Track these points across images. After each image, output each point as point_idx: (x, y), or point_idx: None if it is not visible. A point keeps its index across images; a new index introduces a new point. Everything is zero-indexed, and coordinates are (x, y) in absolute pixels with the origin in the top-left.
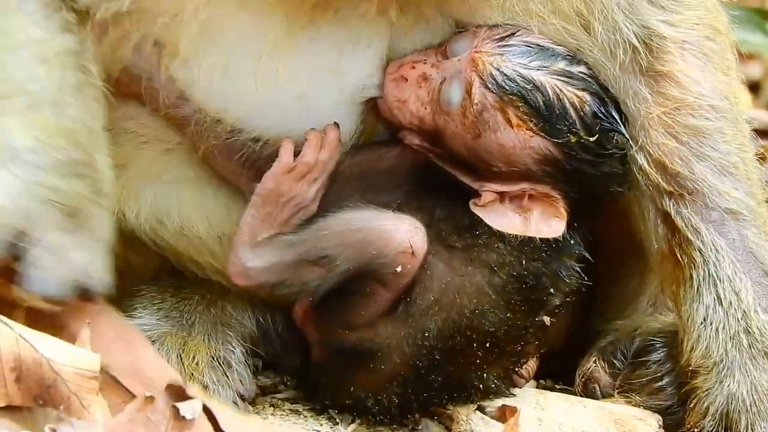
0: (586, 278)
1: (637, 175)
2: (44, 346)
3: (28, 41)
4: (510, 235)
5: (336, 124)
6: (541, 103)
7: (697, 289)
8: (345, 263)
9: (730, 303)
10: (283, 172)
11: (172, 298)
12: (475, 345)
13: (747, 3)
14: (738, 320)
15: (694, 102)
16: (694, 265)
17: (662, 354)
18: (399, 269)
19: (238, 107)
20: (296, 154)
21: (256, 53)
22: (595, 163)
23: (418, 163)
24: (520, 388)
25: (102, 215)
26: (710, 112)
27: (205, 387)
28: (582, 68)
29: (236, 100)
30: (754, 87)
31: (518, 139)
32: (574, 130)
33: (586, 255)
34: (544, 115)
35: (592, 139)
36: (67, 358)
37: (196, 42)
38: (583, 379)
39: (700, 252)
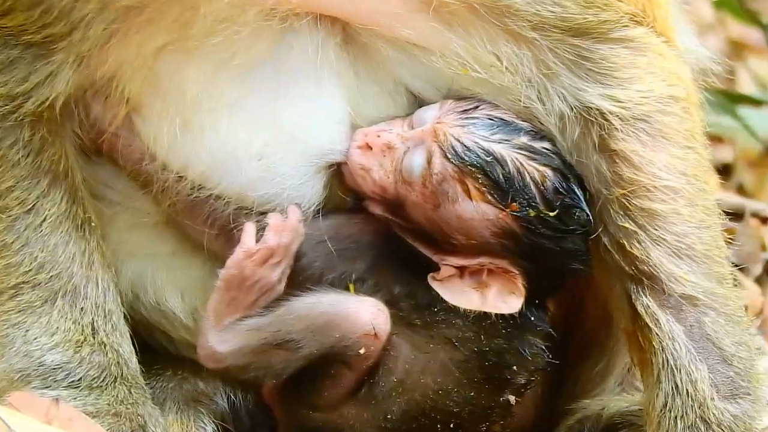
0: (552, 357)
1: (604, 254)
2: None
3: None
4: (468, 311)
5: (297, 205)
6: (501, 175)
7: (657, 375)
8: (309, 347)
9: (687, 392)
10: (246, 257)
11: (144, 373)
12: (439, 426)
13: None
14: (695, 410)
15: (649, 183)
16: (654, 352)
17: None
18: (362, 351)
19: (199, 165)
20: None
21: (213, 107)
22: (555, 238)
23: (381, 234)
24: None
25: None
26: (665, 193)
27: None
28: (545, 144)
29: (196, 157)
30: (724, 169)
31: (477, 211)
32: (533, 204)
33: (552, 333)
34: (503, 187)
35: (552, 214)
36: None
37: (146, 97)
38: None
39: (658, 339)
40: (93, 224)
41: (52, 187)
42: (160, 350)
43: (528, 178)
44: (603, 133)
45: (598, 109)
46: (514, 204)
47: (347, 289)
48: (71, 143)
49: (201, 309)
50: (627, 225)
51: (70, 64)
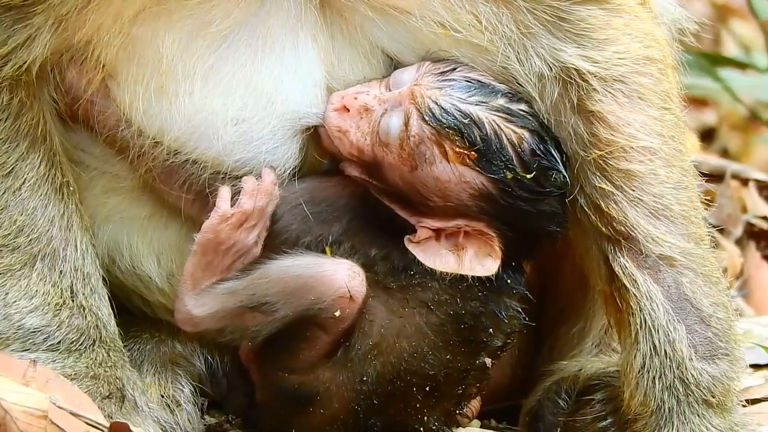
0: (528, 319)
1: (580, 216)
2: None
3: None
4: (444, 273)
5: (272, 167)
6: (478, 137)
7: (635, 336)
8: (285, 309)
9: (666, 353)
10: (221, 221)
11: (122, 336)
12: (415, 389)
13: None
14: (673, 370)
15: (626, 144)
16: (631, 312)
17: (606, 393)
18: (338, 314)
19: (174, 130)
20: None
21: (188, 73)
22: (531, 200)
23: (357, 196)
24: (464, 427)
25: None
26: (642, 154)
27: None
28: (522, 106)
29: (172, 121)
30: (708, 132)
31: (454, 173)
32: (510, 166)
33: (529, 295)
34: (481, 149)
35: (529, 176)
36: (16, 397)
37: (122, 62)
38: (527, 419)
39: (636, 300)
40: (71, 188)
41: (30, 151)
42: (138, 313)
43: (505, 140)
44: (581, 93)
45: (576, 69)
46: (492, 165)
47: (324, 252)
48: (48, 108)
49: (177, 273)
50: (604, 186)
51: (49, 28)
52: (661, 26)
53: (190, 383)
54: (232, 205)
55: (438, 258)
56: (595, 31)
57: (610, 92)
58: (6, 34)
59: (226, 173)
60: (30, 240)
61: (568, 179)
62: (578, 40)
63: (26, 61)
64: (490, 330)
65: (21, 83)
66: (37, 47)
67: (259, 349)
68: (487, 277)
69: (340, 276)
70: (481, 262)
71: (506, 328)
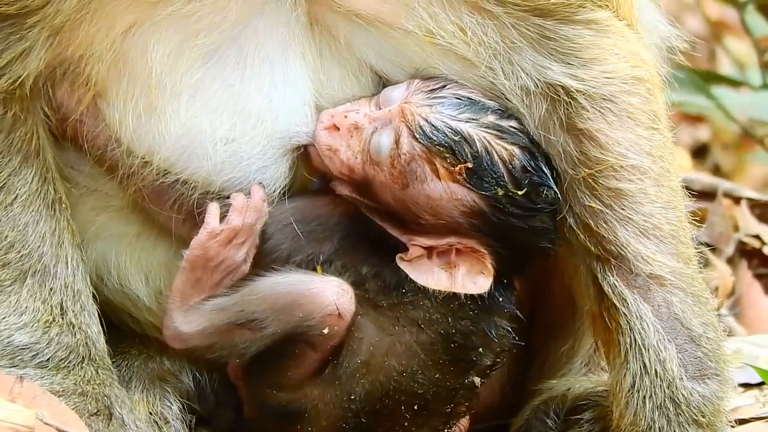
0: (518, 338)
1: (569, 235)
2: None
3: None
4: (436, 291)
5: (261, 184)
6: (469, 154)
7: (625, 356)
8: (273, 326)
9: (656, 372)
10: (210, 238)
11: (110, 352)
12: (403, 407)
13: (698, 63)
14: (664, 389)
15: (616, 163)
16: (621, 332)
17: (595, 413)
18: (326, 331)
19: (164, 149)
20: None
21: (177, 92)
22: (523, 216)
23: (348, 215)
24: None
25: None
26: (632, 173)
27: None
28: (512, 122)
29: (161, 141)
30: (701, 150)
31: (445, 191)
32: (502, 183)
33: (518, 314)
34: (472, 167)
35: (520, 192)
36: (2, 413)
37: (111, 79)
38: None
39: (626, 319)
40: (64, 204)
41: (23, 166)
42: (126, 329)
43: (496, 157)
44: (569, 111)
45: (562, 87)
46: (483, 182)
47: (314, 271)
48: (41, 123)
49: (165, 292)
50: (593, 204)
51: (43, 41)
52: (649, 47)
53: (179, 400)
54: (221, 222)
55: (430, 276)
56: (582, 51)
57: (599, 111)
58: (1, 47)
59: (216, 193)
60: (21, 256)
61: (559, 195)
62: (564, 59)
63: (21, 76)
64: (480, 349)
65: (15, 97)
66: (32, 61)
67: (247, 366)
68: (479, 295)
69: (329, 293)
70: (473, 279)
71: (496, 347)
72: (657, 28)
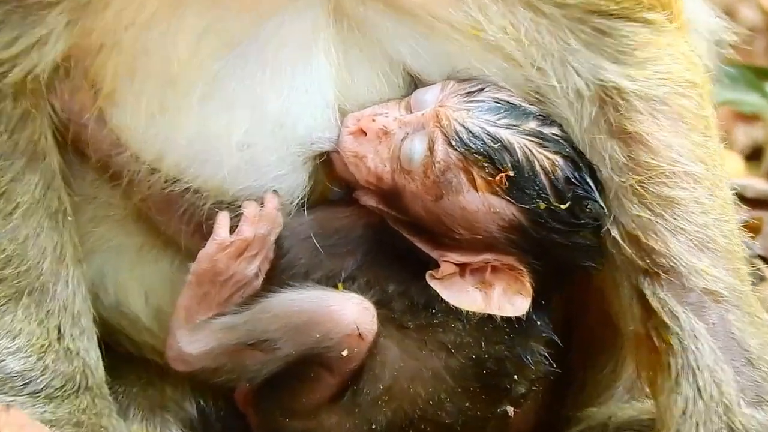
0: (555, 365)
1: (611, 249)
2: None
3: None
4: (469, 313)
5: (275, 192)
6: (509, 164)
7: (676, 379)
8: (287, 347)
9: (711, 396)
10: (219, 250)
11: (106, 377)
12: None
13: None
14: (720, 416)
15: (668, 169)
16: (672, 353)
17: None
18: (345, 353)
19: (174, 155)
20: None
21: (192, 89)
22: (565, 232)
23: (373, 227)
24: None
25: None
26: (685, 180)
27: None
28: (555, 129)
29: (171, 146)
30: (755, 152)
31: (482, 203)
32: (543, 195)
33: (555, 339)
34: (512, 177)
35: (563, 206)
36: None
37: (124, 76)
38: None
39: (678, 338)
40: (69, 217)
41: (27, 170)
42: (123, 352)
43: (538, 167)
44: (620, 114)
45: (616, 88)
46: (524, 195)
47: (335, 288)
48: (48, 123)
49: (167, 311)
50: (642, 214)
51: (63, 27)
52: (699, 48)
53: (181, 430)
54: (231, 233)
55: (463, 295)
56: (638, 49)
57: (651, 113)
58: (16, 32)
59: (230, 203)
60: (18, 272)
61: (605, 209)
62: (619, 58)
63: (36, 66)
64: (514, 376)
65: (27, 92)
66: (50, 50)
67: (257, 392)
68: (516, 318)
69: (349, 312)
70: (510, 300)
71: (531, 374)
72: (705, 21)
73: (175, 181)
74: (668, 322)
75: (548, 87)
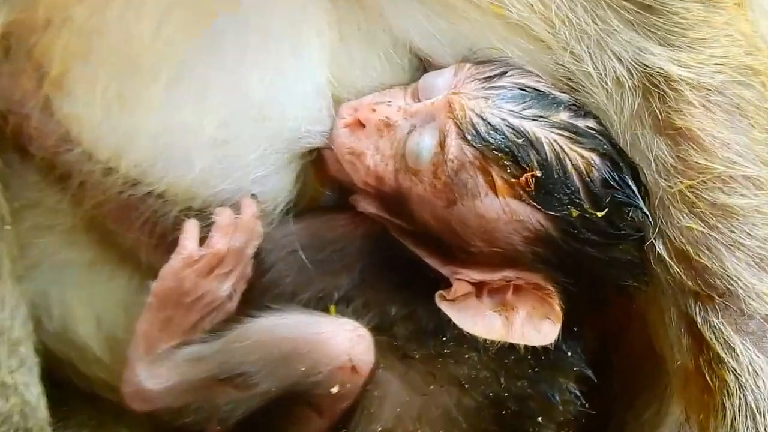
0: (588, 405)
1: (656, 268)
2: None
3: None
4: (486, 342)
5: (254, 196)
6: (536, 162)
7: (731, 423)
8: (267, 382)
9: None
10: (186, 266)
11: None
12: None
13: None
14: None
15: (724, 172)
16: (728, 392)
17: None
18: (336, 390)
19: (135, 152)
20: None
21: (157, 74)
22: (602, 245)
23: (372, 239)
24: None
25: None
26: (745, 186)
27: None
28: (591, 122)
29: (132, 141)
30: None
31: (503, 209)
32: (576, 201)
33: (589, 374)
34: (539, 179)
35: (600, 214)
36: None
37: (75, 58)
38: None
39: (734, 374)
40: (6, 225)
41: None
42: (70, 387)
43: (570, 167)
44: (667, 105)
45: (663, 74)
46: (553, 200)
47: (326, 311)
48: None
49: (123, 339)
50: (693, 225)
51: None
52: (762, 28)
53: None
54: (201, 245)
55: (479, 321)
56: (690, 29)
57: (704, 105)
58: None
59: (200, 210)
60: None
61: (649, 218)
62: (669, 39)
63: None
64: (539, 418)
65: None
66: None
67: None
68: (543, 348)
69: (341, 340)
70: (536, 326)
71: (559, 417)
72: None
73: (135, 184)
74: (723, 355)
75: (583, 74)
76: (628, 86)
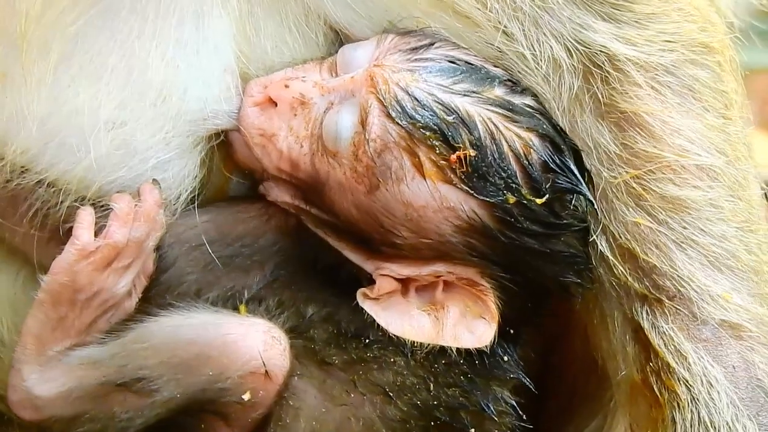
0: (525, 417)
1: (598, 267)
2: None
3: None
4: (414, 345)
5: (155, 182)
6: (468, 143)
7: None
8: (169, 389)
9: None
10: (80, 259)
11: None
12: None
13: None
14: None
15: (675, 161)
16: (678, 405)
17: None
18: (247, 397)
19: (22, 137)
20: None
21: (45, 50)
22: (542, 236)
23: (287, 232)
24: None
25: None
26: (698, 177)
27: None
28: (528, 99)
29: (18, 126)
30: None
31: (432, 195)
32: (513, 186)
33: (527, 382)
34: (471, 160)
35: (539, 201)
36: None
37: None
38: None
39: (686, 385)
40: None
41: None
42: None
43: (506, 148)
44: (610, 87)
45: (606, 53)
46: (487, 185)
47: (236, 311)
48: None
49: (9, 340)
50: (640, 220)
51: None
52: (717, 1)
53: None
54: (96, 236)
55: (406, 321)
56: (637, 2)
57: (653, 86)
58: None
59: (96, 200)
60: None
61: (594, 205)
62: (613, 14)
63: None
64: (472, 430)
65: None
66: None
67: None
68: (477, 351)
69: (252, 342)
70: (469, 327)
71: (494, 429)
72: None
73: (23, 172)
74: (674, 364)
75: (516, 55)
76: (566, 67)
